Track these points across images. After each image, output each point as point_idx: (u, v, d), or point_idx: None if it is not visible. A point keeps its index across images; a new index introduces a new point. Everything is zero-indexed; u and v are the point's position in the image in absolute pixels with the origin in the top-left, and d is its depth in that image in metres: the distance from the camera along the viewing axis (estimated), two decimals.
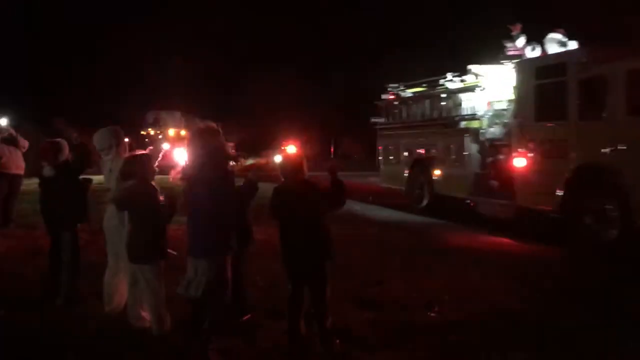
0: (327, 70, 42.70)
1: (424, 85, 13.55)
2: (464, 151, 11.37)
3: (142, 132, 31.33)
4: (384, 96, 14.75)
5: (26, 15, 39.14)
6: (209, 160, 4.14)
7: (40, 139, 8.59)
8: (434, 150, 12.37)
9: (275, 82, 37.13)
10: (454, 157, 11.66)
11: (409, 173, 13.18)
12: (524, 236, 9.02)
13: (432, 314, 5.17)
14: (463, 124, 11.50)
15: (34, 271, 6.44)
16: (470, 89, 11.53)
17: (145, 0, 43.51)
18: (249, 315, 4.93)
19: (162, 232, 4.60)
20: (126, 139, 5.65)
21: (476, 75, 11.33)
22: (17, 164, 9.59)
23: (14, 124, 10.58)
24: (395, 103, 14.37)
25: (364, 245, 8.29)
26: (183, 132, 29.43)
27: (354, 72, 41.47)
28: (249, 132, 33.31)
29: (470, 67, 11.51)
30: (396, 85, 14.28)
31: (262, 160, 7.24)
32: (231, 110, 36.25)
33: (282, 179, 4.45)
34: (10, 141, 9.50)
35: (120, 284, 5.16)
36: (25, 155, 9.73)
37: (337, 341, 4.34)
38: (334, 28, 42.22)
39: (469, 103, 11.58)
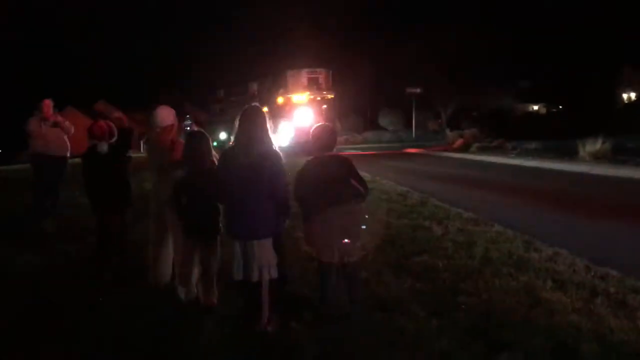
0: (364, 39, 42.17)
1: None
2: None
3: (279, 100, 26.51)
4: None
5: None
6: (251, 142, 4.17)
7: (82, 121, 8.76)
8: None
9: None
10: None
11: None
12: None
13: None
14: None
15: (82, 249, 6.67)
16: None
17: None
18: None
19: (218, 208, 4.70)
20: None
21: None
22: (62, 146, 9.81)
23: (57, 108, 10.75)
24: None
25: None
26: (303, 97, 25.58)
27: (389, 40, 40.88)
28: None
29: None
30: None
31: None
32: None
33: (313, 154, 4.47)
34: (55, 124, 9.72)
35: (165, 258, 5.31)
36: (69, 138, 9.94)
37: None
38: None
39: None
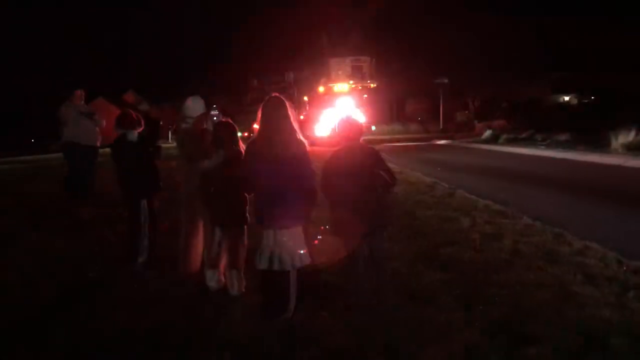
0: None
1: None
2: None
3: (320, 89, 25.17)
4: None
5: None
6: (274, 132, 4.17)
7: (113, 112, 8.92)
8: None
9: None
10: None
11: None
12: None
13: None
14: None
15: (115, 236, 6.81)
16: None
17: None
18: None
19: (245, 197, 4.75)
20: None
21: None
22: (92, 135, 10.00)
23: (88, 98, 10.96)
24: None
25: None
26: (345, 86, 24.32)
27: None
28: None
29: None
30: None
31: None
32: None
33: (340, 143, 4.48)
34: (88, 115, 9.94)
35: (195, 247, 5.39)
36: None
37: None
38: None
39: None
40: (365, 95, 25.41)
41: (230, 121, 4.98)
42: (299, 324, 4.17)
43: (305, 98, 26.21)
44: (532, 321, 4.09)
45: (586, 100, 43.36)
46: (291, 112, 4.28)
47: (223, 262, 4.93)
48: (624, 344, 3.70)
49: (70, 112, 9.76)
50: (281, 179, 4.15)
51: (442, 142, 28.45)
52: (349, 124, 4.54)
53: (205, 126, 5.31)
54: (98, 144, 10.16)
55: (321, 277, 5.00)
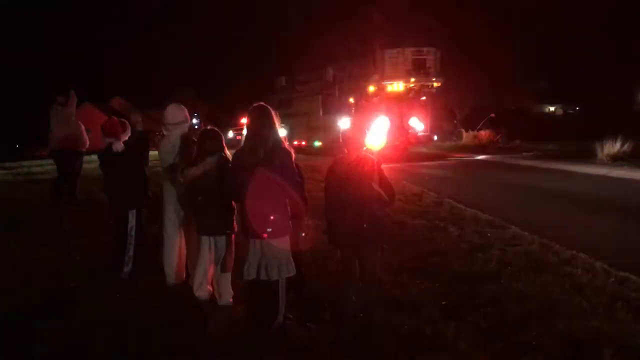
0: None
1: None
2: None
3: (370, 89, 20.92)
4: None
5: None
6: (257, 141, 4.12)
7: (99, 117, 8.85)
8: None
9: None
10: None
11: None
12: None
13: None
14: None
15: (99, 246, 6.71)
16: None
17: None
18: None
19: (232, 207, 4.70)
20: None
21: None
22: (80, 141, 9.88)
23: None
24: None
25: None
26: (402, 86, 20.26)
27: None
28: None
29: None
30: None
31: None
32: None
33: (345, 151, 4.43)
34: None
35: (180, 257, 5.32)
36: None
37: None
38: None
39: None
40: (424, 97, 21.41)
41: (217, 129, 4.92)
42: (288, 334, 4.12)
43: (351, 99, 22.27)
44: (521, 331, 4.08)
45: (571, 111, 43.80)
46: (276, 120, 4.24)
47: (210, 271, 4.87)
48: (613, 354, 3.69)
49: (59, 115, 9.65)
50: (266, 188, 4.10)
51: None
52: (353, 132, 4.47)
53: (189, 134, 5.25)
54: (84, 150, 10.04)
55: (306, 288, 4.95)
